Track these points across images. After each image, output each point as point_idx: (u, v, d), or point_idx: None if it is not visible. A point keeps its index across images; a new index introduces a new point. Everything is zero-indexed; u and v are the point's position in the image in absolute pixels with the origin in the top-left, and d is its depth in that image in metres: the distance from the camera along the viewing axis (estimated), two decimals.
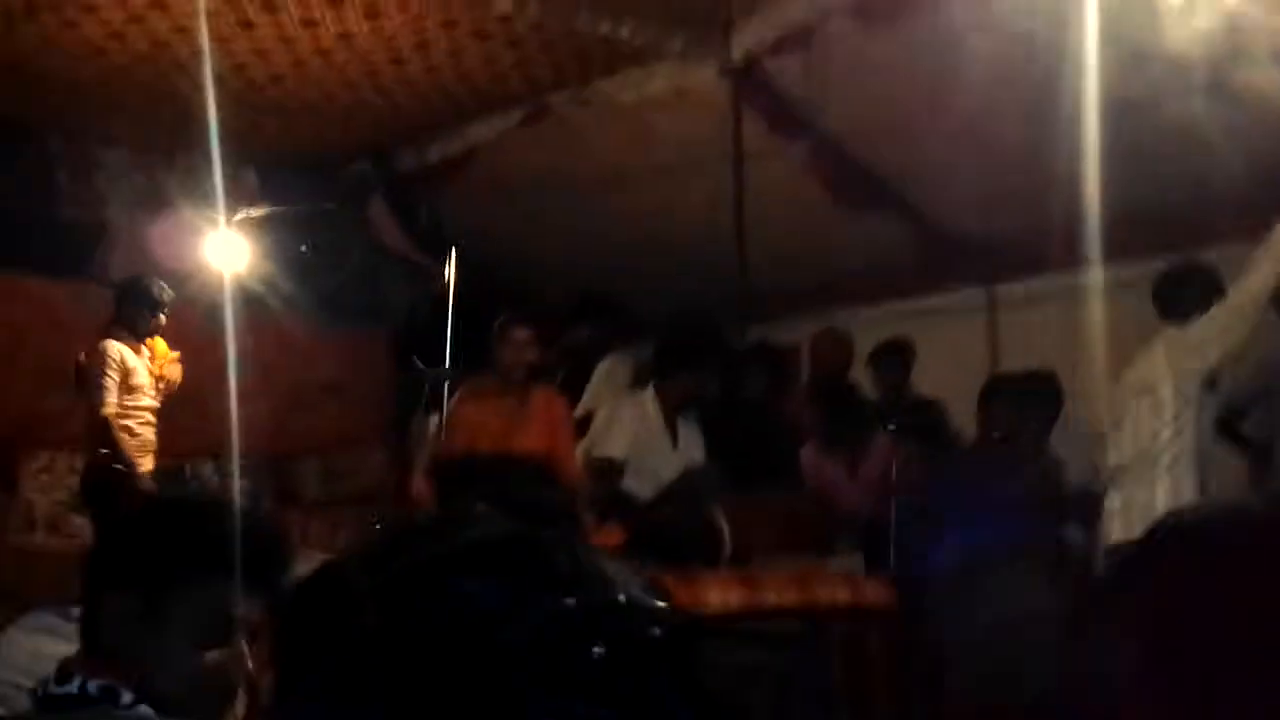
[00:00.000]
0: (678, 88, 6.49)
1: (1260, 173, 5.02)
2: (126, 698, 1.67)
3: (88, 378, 5.91)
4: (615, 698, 0.75)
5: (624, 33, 6.21)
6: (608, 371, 6.86)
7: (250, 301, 6.56)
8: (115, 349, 5.98)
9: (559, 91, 6.89)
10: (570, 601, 0.78)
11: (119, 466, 5.64)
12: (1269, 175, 5.05)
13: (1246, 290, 4.72)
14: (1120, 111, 4.58)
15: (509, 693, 0.74)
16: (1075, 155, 4.66)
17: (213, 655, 1.76)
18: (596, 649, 0.76)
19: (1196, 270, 5.02)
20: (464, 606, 0.78)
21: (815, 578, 4.93)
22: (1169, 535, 1.64)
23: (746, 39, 6.20)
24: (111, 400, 5.87)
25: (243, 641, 1.77)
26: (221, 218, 6.35)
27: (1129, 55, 4.50)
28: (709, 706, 0.79)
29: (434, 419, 6.03)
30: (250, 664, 1.77)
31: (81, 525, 5.90)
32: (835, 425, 6.08)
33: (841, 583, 4.97)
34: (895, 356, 6.49)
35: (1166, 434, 4.98)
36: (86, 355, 5.98)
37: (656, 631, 0.79)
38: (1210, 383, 4.91)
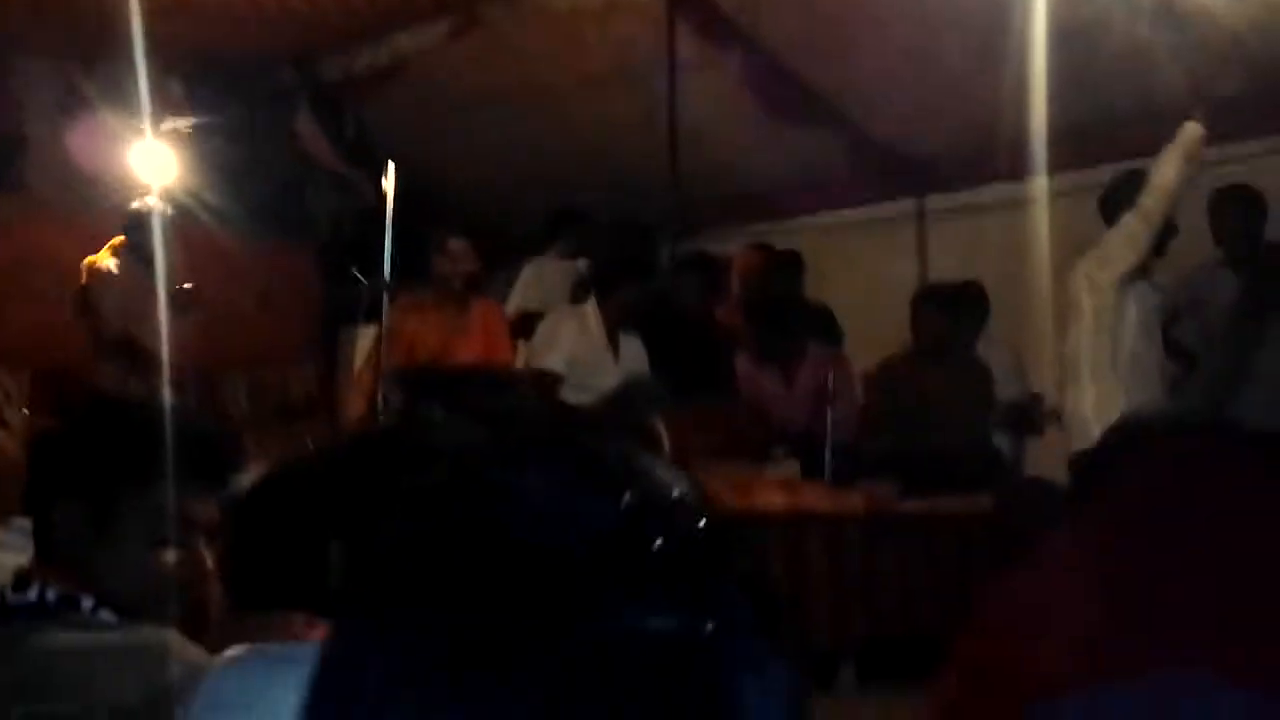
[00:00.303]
0: None
1: (1202, 91, 5.11)
2: (87, 603, 1.68)
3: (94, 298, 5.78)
4: (677, 596, 0.71)
5: None
6: (536, 273, 6.85)
7: (176, 213, 6.45)
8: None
9: (490, 1, 6.79)
10: (630, 499, 0.74)
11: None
12: (1210, 94, 5.14)
13: (1152, 193, 4.84)
14: (1067, 32, 4.63)
15: (570, 598, 0.70)
16: (1017, 71, 4.71)
17: (169, 556, 1.76)
18: (658, 543, 0.72)
19: (1136, 178, 5.13)
20: (517, 508, 0.73)
21: (753, 484, 5.02)
22: (1117, 448, 1.71)
23: None
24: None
25: (200, 541, 1.78)
26: (146, 127, 6.21)
27: None
28: (764, 598, 0.77)
29: (369, 332, 6.00)
30: (209, 563, 1.78)
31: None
32: (769, 338, 6.16)
33: (778, 488, 5.07)
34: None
35: (1087, 341, 5.10)
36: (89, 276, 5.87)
37: (706, 526, 0.75)
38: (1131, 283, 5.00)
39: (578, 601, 0.70)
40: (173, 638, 1.65)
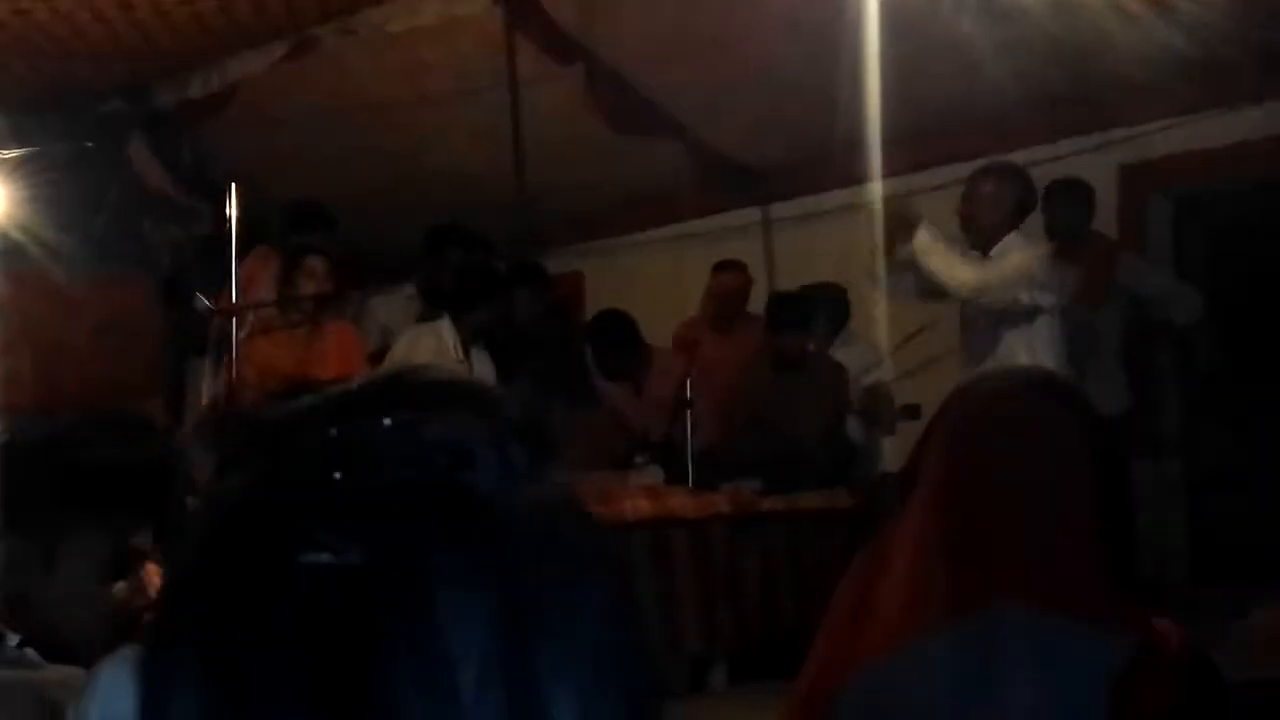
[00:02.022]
0: (449, 16, 6.41)
1: (1027, 88, 5.31)
2: (12, 640, 1.64)
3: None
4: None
5: None
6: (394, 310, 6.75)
7: (4, 250, 6.23)
8: None
9: (325, 23, 6.72)
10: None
11: None
12: (1033, 90, 5.34)
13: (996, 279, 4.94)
14: (897, 30, 4.77)
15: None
16: (853, 75, 4.83)
17: (118, 589, 1.73)
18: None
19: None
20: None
21: (618, 491, 5.05)
22: (956, 400, 1.79)
23: None
24: None
25: (141, 570, 1.74)
26: None
27: None
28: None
29: (214, 359, 5.88)
30: (151, 591, 1.75)
31: None
32: (604, 356, 6.23)
33: (643, 494, 5.10)
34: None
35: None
36: None
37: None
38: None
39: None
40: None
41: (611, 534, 0.72)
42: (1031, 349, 4.80)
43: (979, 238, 4.99)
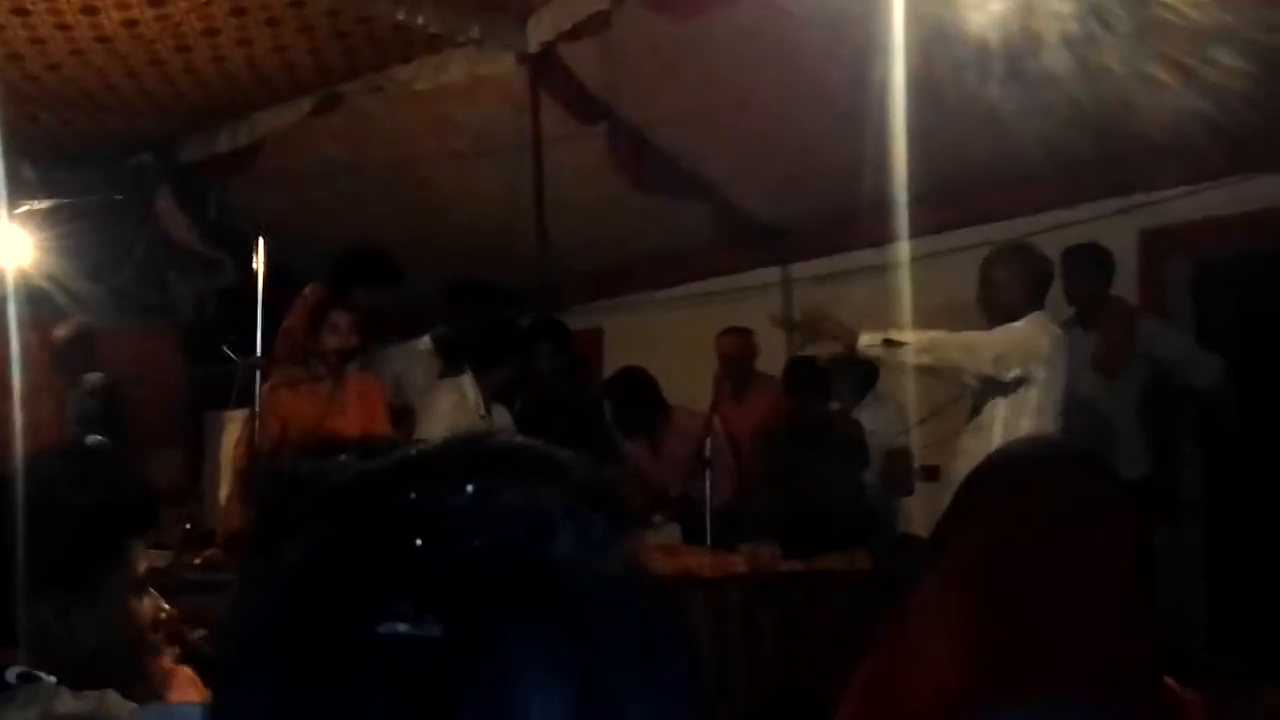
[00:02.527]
0: (475, 75, 6.49)
1: (1050, 152, 5.34)
2: (49, 680, 1.65)
3: None
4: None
5: (420, 20, 6.17)
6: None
7: (33, 298, 6.30)
8: None
9: (353, 79, 6.81)
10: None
11: None
12: (1056, 154, 5.37)
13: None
14: (922, 93, 4.81)
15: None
16: (878, 136, 4.86)
17: (139, 609, 1.76)
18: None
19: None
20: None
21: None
22: (988, 473, 1.79)
23: (543, 26, 6.25)
24: None
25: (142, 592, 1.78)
26: (1, 211, 6.07)
27: (933, 36, 4.73)
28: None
29: (237, 415, 5.91)
30: (163, 609, 1.78)
31: None
32: (622, 413, 6.25)
33: (660, 552, 5.10)
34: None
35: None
36: None
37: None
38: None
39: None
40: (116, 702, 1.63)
41: (674, 600, 0.70)
42: (1014, 415, 4.84)
43: (996, 320, 5.02)
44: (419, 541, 0.66)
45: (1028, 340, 4.92)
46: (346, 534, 0.69)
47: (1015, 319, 4.96)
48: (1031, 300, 5.01)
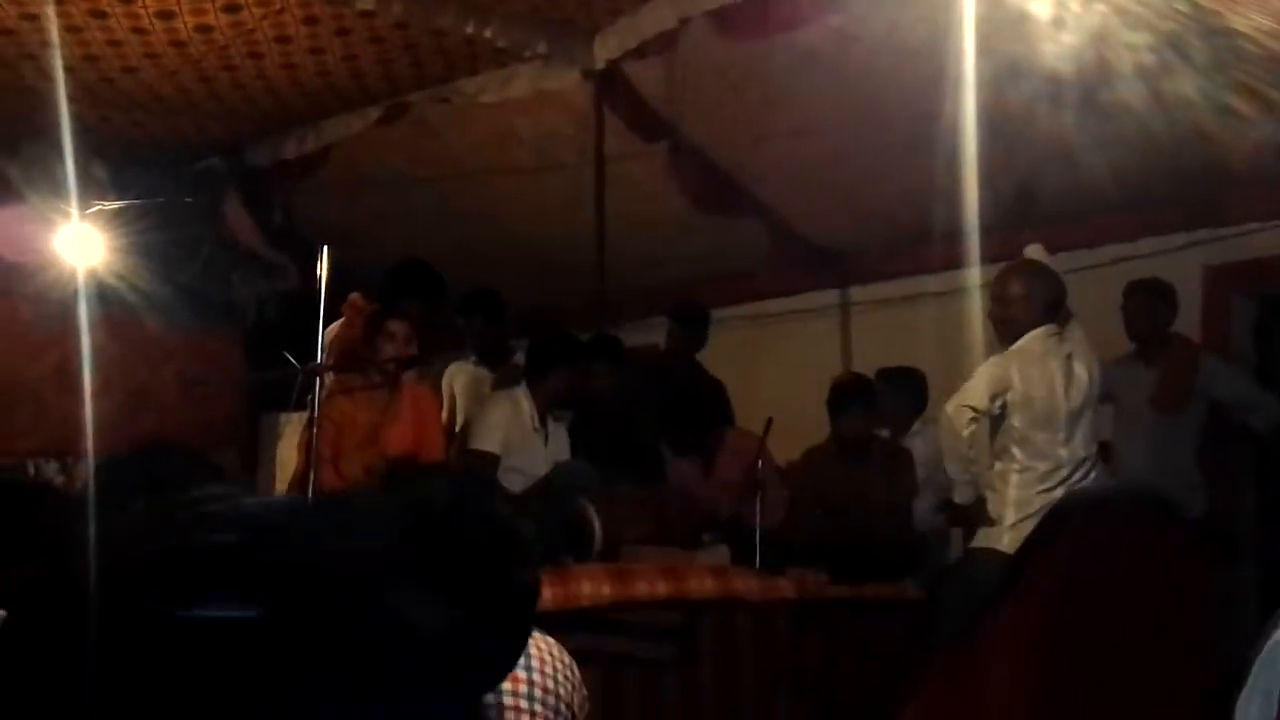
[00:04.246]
0: (540, 89, 6.54)
1: (1122, 185, 5.30)
2: None
3: None
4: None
5: (488, 33, 6.23)
6: (462, 379, 6.81)
7: (101, 296, 6.40)
8: None
9: (420, 90, 6.87)
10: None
11: None
12: (1129, 188, 5.33)
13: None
14: (989, 123, 4.80)
15: None
16: (941, 165, 4.86)
17: None
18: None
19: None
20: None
21: (683, 569, 5.05)
22: (1056, 524, 1.80)
23: (610, 43, 6.29)
24: None
25: None
26: (73, 210, 6.18)
27: (1003, 67, 4.72)
28: None
29: (293, 418, 5.97)
30: None
31: None
32: (680, 433, 6.23)
33: (709, 574, 5.10)
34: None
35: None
36: None
37: None
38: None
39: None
40: None
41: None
42: (1005, 439, 4.93)
43: (1009, 335, 5.05)
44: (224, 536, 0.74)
45: (984, 379, 4.99)
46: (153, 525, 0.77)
47: (1023, 334, 4.98)
48: (1043, 316, 5.03)
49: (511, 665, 1.04)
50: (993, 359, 5.05)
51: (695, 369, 6.86)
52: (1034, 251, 5.25)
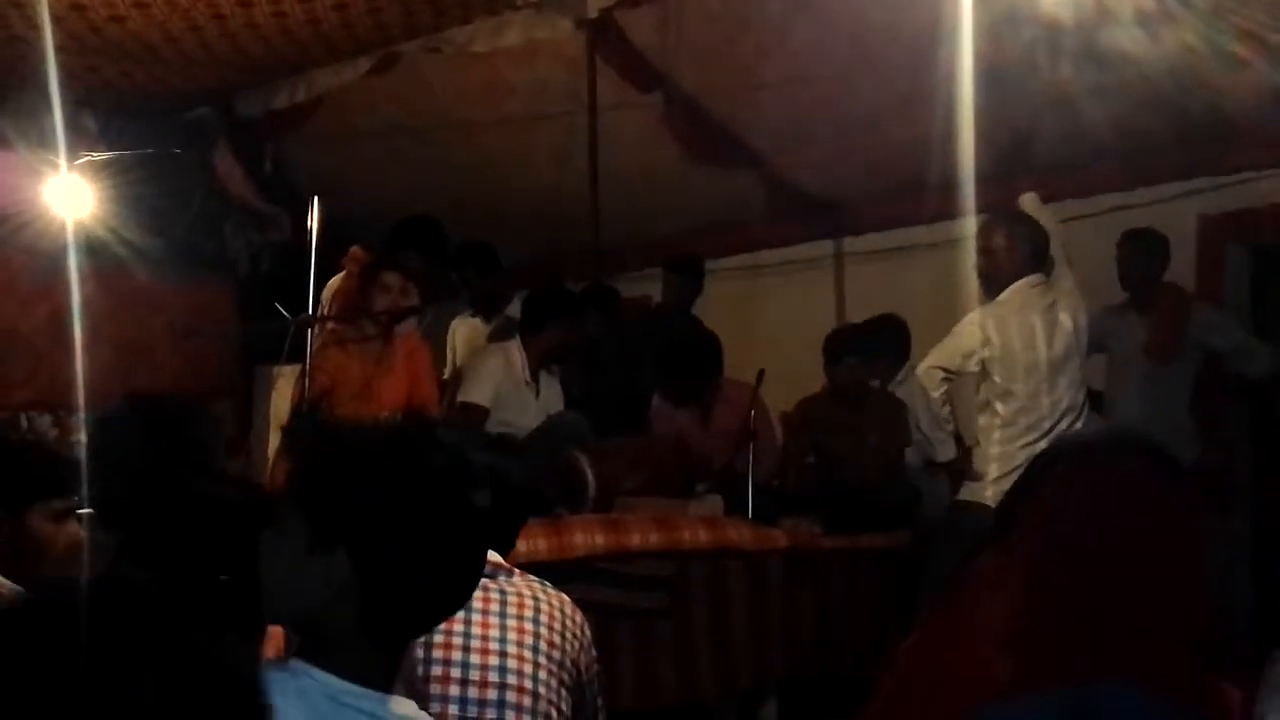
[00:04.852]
0: (532, 39, 6.48)
1: (1122, 134, 5.26)
2: None
3: None
4: None
5: None
6: (463, 332, 6.78)
7: (90, 249, 6.36)
8: None
9: (411, 39, 6.81)
10: None
11: None
12: (1127, 137, 5.29)
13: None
14: (987, 71, 4.76)
15: None
16: (938, 114, 4.82)
17: None
18: None
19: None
20: None
21: (677, 520, 5.06)
22: (1045, 468, 1.79)
23: None
24: None
25: None
26: (62, 162, 6.12)
27: (1001, 14, 4.68)
28: None
29: (287, 370, 5.96)
30: None
31: None
32: (684, 383, 6.16)
33: (702, 525, 5.11)
34: None
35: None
36: None
37: None
38: None
39: None
40: None
41: None
42: (989, 395, 5.02)
43: (994, 287, 5.06)
44: None
45: (958, 340, 5.06)
46: None
47: (1009, 285, 4.99)
48: (1026, 267, 5.04)
49: None
50: (969, 316, 5.06)
51: (692, 321, 6.85)
52: (1029, 201, 5.23)
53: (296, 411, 5.09)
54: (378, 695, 1.55)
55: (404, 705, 1.59)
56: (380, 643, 1.60)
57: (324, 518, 1.57)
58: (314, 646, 1.57)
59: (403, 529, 1.59)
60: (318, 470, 1.63)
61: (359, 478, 1.60)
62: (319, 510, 1.58)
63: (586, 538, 4.70)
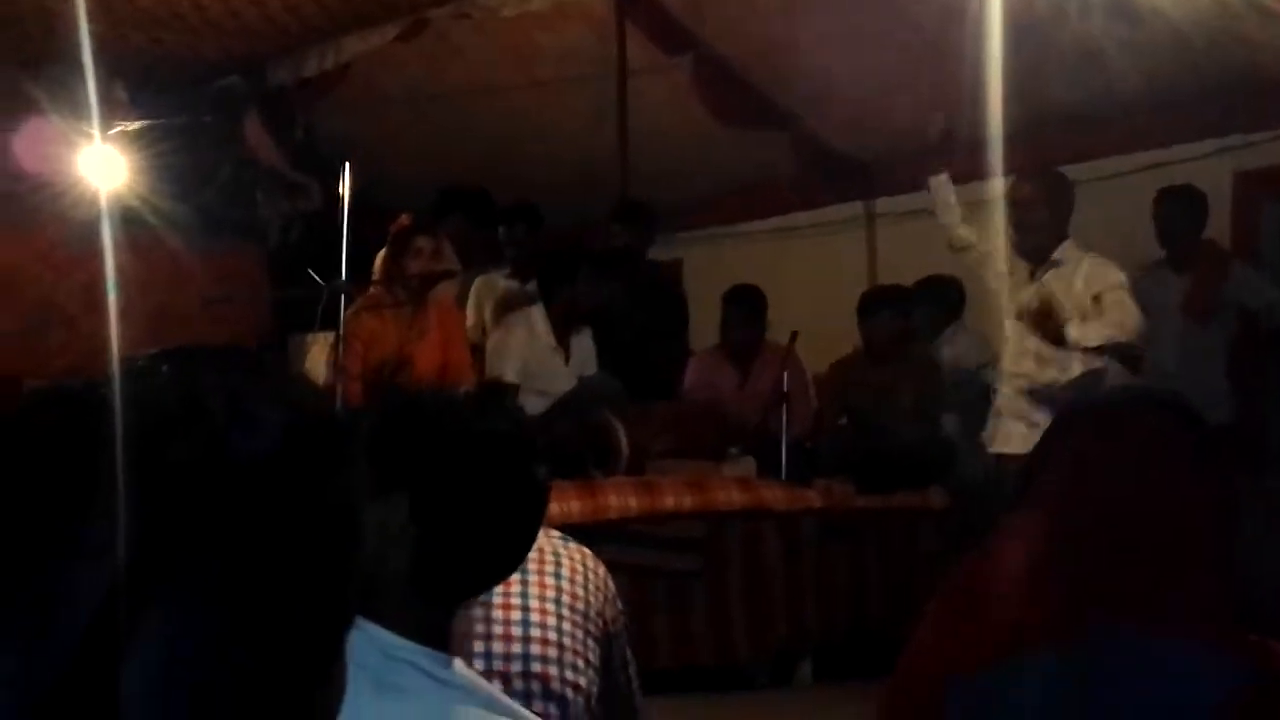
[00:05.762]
0: (560, 3, 6.46)
1: (1151, 90, 5.20)
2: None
3: None
4: None
5: None
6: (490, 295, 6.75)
7: (124, 217, 6.39)
8: None
9: (439, 5, 6.80)
10: None
11: None
12: (1161, 93, 5.23)
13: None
14: (1018, 27, 4.72)
15: None
16: (969, 72, 4.78)
17: None
18: None
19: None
20: None
21: (710, 481, 5.07)
22: (1077, 414, 1.79)
23: None
24: None
25: None
26: (95, 131, 6.15)
27: None
28: None
29: (320, 338, 5.97)
30: None
31: None
32: (740, 332, 6.09)
33: (735, 486, 5.12)
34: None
35: None
36: None
37: None
38: None
39: None
40: None
41: None
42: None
43: (1031, 249, 5.00)
44: None
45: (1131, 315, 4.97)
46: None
47: (1048, 248, 4.98)
48: (1061, 228, 5.01)
49: None
50: (1119, 291, 4.98)
51: (651, 267, 6.71)
52: (939, 184, 5.22)
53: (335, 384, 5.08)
54: (433, 653, 1.55)
55: (463, 667, 1.59)
56: (433, 599, 1.61)
57: (388, 463, 1.59)
58: (365, 600, 1.59)
59: (466, 485, 1.62)
60: (391, 420, 1.67)
61: (432, 430, 1.64)
62: (385, 455, 1.60)
63: (620, 499, 4.72)
